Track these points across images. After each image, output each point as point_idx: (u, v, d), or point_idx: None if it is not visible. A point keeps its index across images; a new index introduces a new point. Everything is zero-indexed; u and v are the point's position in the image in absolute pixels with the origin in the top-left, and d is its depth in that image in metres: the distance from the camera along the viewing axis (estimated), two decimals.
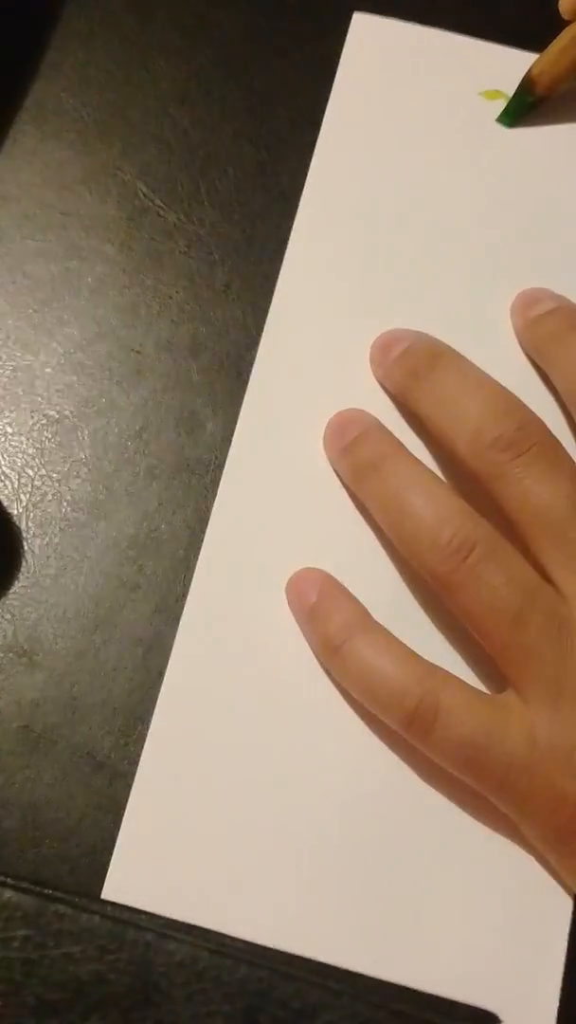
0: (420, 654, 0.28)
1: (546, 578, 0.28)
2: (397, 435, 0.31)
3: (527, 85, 0.35)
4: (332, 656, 0.29)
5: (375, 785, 0.29)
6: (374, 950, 0.28)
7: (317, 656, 0.30)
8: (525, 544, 0.28)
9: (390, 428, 0.31)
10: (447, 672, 0.28)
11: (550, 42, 0.35)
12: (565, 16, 0.35)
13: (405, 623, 0.30)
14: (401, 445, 0.31)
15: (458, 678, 0.28)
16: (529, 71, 0.35)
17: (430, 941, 0.28)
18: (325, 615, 0.29)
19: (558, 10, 0.34)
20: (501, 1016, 0.27)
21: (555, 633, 0.27)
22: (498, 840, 0.29)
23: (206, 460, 0.32)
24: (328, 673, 0.30)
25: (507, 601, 0.27)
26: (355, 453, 0.31)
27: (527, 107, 0.36)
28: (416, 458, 0.30)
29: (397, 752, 0.29)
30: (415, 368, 0.31)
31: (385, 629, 0.29)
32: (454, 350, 0.31)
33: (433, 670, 0.28)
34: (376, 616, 0.30)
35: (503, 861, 0.28)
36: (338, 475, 0.32)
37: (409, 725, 0.28)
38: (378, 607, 0.30)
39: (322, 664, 0.30)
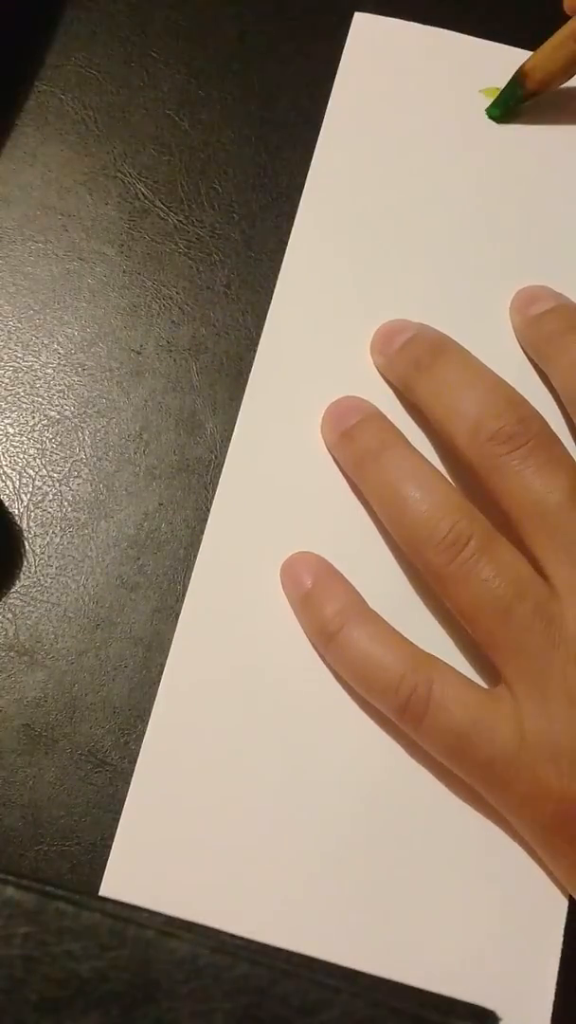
0: (416, 643, 0.29)
1: (540, 572, 0.28)
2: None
3: (519, 78, 0.35)
4: (327, 643, 0.29)
5: (374, 783, 0.29)
6: (374, 948, 0.28)
7: (312, 642, 0.30)
8: (520, 538, 0.28)
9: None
10: (441, 661, 0.28)
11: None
12: (569, 12, 0.34)
13: (402, 613, 0.30)
14: (401, 435, 0.31)
15: (452, 667, 0.28)
16: (523, 65, 0.35)
17: (429, 939, 0.28)
18: (320, 601, 0.30)
19: (559, 8, 0.34)
20: (500, 1013, 0.27)
21: (544, 627, 0.27)
22: (496, 838, 0.29)
23: (206, 460, 0.32)
24: (327, 665, 0.30)
25: (498, 595, 0.27)
26: (356, 440, 0.31)
27: (517, 100, 0.36)
28: (416, 449, 0.30)
29: (397, 751, 0.29)
30: (418, 358, 0.31)
31: (380, 617, 0.29)
32: (457, 343, 0.31)
33: (427, 658, 0.28)
34: (373, 606, 0.30)
35: (500, 859, 0.28)
36: (336, 461, 0.32)
37: (402, 713, 0.28)
38: (375, 597, 0.30)
39: (317, 650, 0.30)
